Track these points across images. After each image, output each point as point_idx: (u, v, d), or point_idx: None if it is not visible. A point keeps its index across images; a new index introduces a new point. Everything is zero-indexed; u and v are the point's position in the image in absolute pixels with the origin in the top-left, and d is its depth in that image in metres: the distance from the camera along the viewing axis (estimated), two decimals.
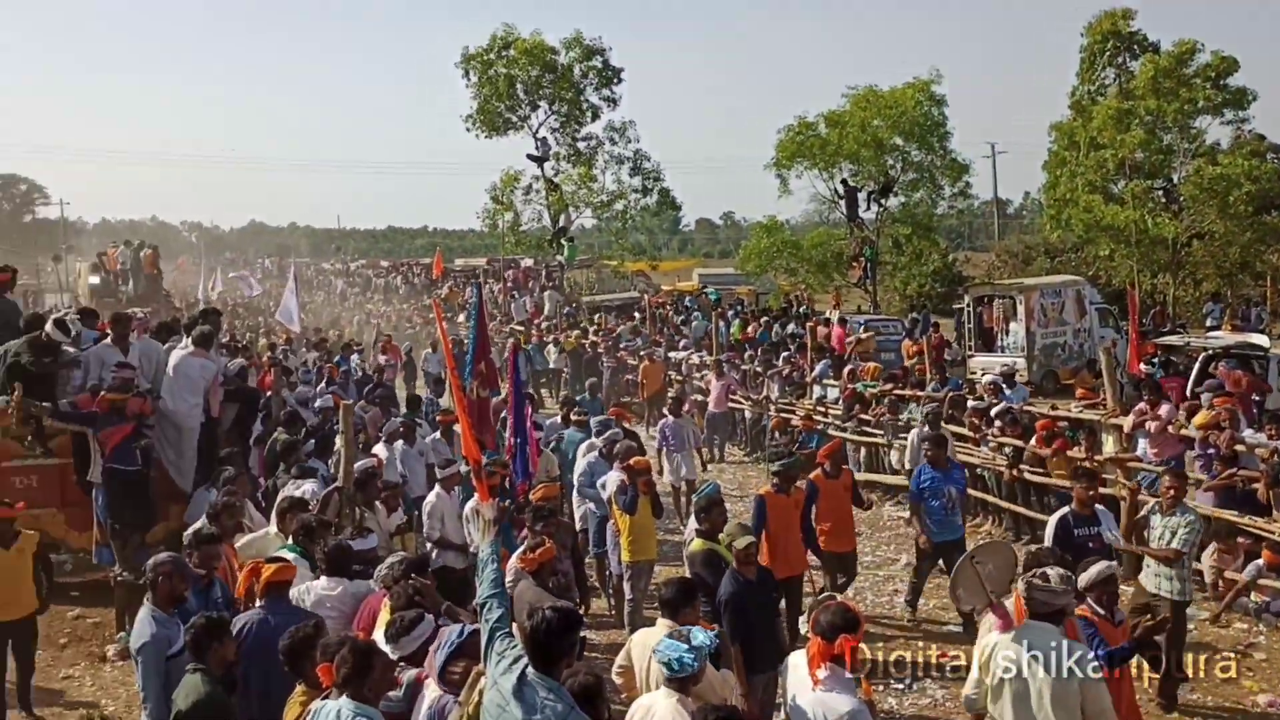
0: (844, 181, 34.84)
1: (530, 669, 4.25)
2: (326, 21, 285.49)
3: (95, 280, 31.91)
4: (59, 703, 9.09)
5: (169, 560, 6.50)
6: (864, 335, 22.12)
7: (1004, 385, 15.79)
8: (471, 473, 9.14)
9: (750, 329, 26.12)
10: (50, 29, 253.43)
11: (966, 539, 10.92)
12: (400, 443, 12.27)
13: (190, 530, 7.70)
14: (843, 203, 35.26)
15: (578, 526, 11.56)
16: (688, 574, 8.47)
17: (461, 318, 33.72)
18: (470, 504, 9.54)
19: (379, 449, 11.53)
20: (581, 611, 7.63)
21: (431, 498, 10.05)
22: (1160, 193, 34.06)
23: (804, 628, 5.38)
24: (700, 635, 5.08)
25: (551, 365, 26.14)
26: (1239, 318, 29.80)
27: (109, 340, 11.45)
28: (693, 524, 9.00)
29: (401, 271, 52.87)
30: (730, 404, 19.32)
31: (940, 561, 10.38)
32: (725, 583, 7.18)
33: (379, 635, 5.80)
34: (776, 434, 18.03)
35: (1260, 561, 9.98)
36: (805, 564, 9.52)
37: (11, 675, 8.75)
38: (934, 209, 37.12)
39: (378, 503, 9.37)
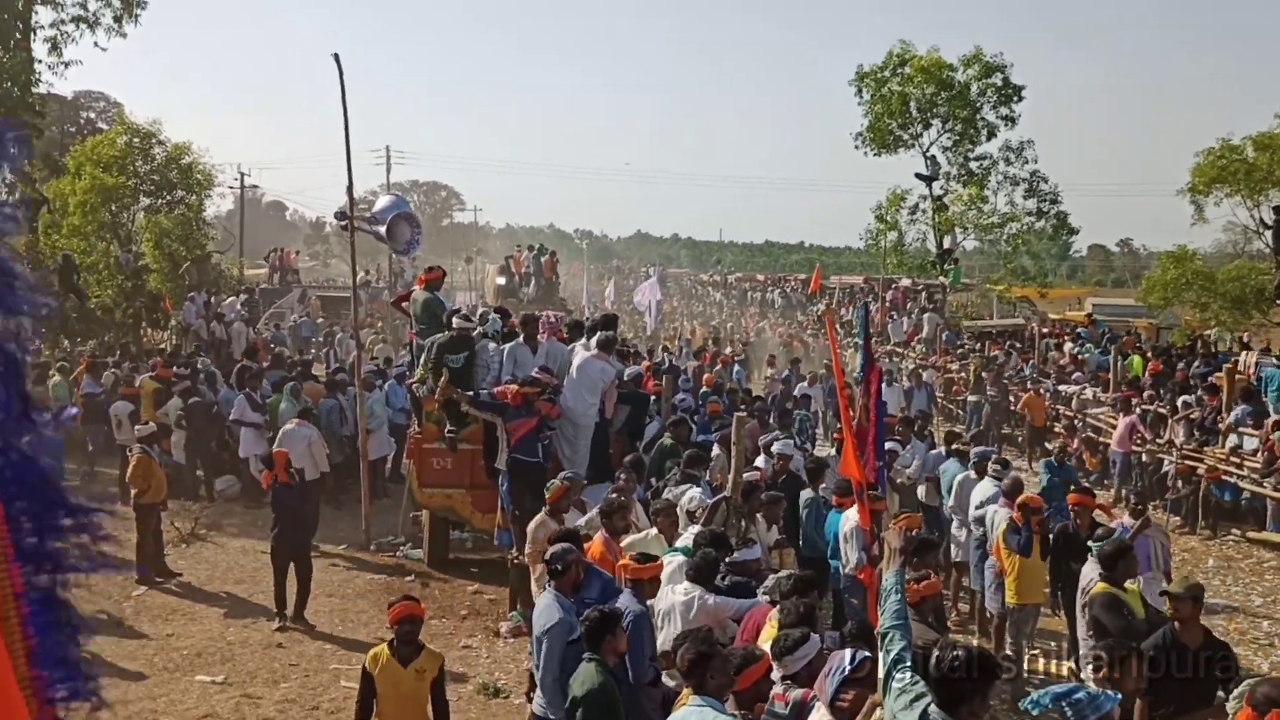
0: (1275, 209, 31.42)
1: (934, 707, 4.08)
2: (717, 39, 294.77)
3: (502, 281, 34.61)
4: (457, 671, 9.88)
5: (572, 550, 6.88)
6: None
7: None
8: (855, 494, 9.09)
9: (1151, 366, 24.18)
10: (467, 52, 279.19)
11: None
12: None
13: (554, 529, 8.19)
14: (1268, 233, 31.81)
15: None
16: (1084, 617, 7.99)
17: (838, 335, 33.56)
18: (850, 524, 9.43)
19: (760, 462, 11.65)
20: None
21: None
22: None
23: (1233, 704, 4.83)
24: (1091, 694, 4.68)
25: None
26: None
27: (520, 339, 12.39)
28: (1091, 567, 8.42)
29: (779, 286, 53.52)
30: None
31: None
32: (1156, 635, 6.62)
33: (764, 649, 5.82)
34: (1179, 482, 16.62)
35: None
36: None
37: None
38: None
39: (759, 515, 9.46)
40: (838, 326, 28.30)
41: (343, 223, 14.17)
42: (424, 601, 11.48)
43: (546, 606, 6.64)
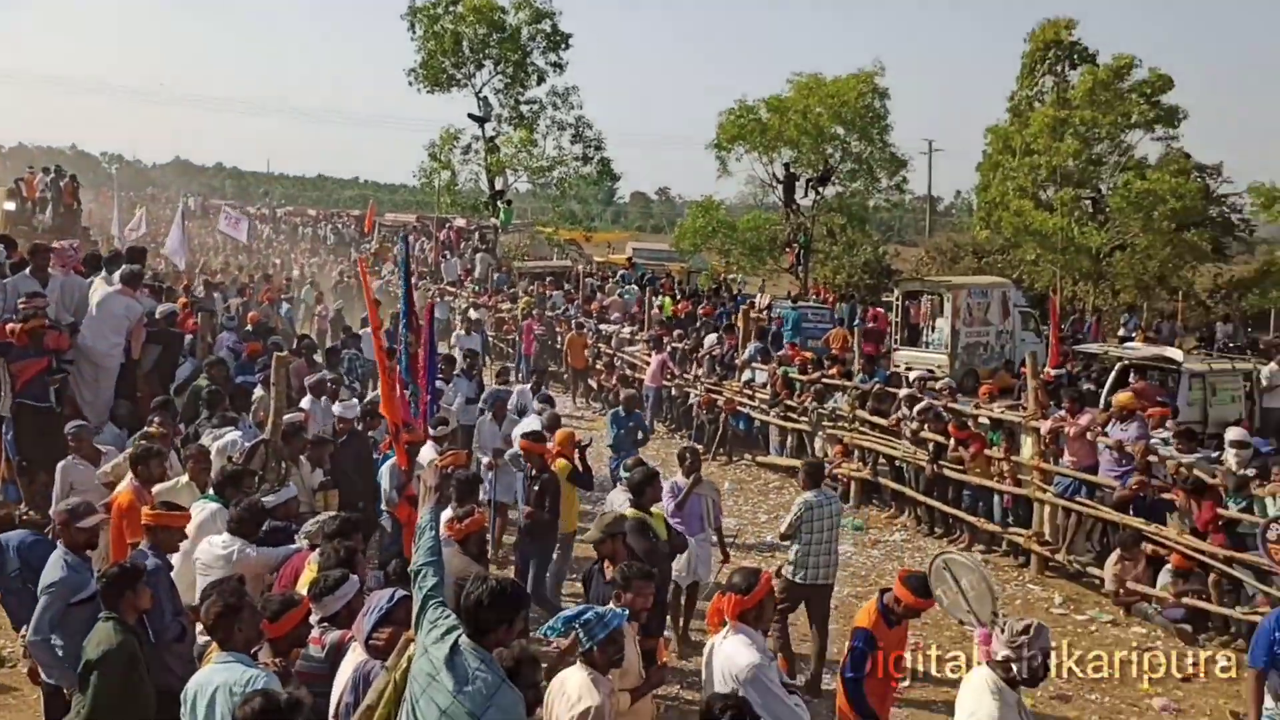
0: (786, 166, 34.99)
1: (464, 638, 4.21)
2: None
3: (11, 206, 30.68)
4: None
5: (85, 504, 6.34)
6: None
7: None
8: (390, 434, 9.13)
9: (681, 306, 26.22)
10: None
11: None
12: (325, 398, 12.06)
13: None
14: (780, 188, 35.47)
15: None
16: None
17: (385, 271, 33.26)
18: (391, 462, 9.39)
19: (305, 403, 11.34)
20: None
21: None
22: (1088, 202, 34.92)
23: None
24: (599, 613, 5.05)
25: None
26: (1152, 330, 30.76)
27: (27, 271, 11.11)
28: (618, 494, 9.01)
29: (332, 222, 52.00)
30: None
31: None
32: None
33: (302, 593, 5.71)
34: (702, 413, 18.21)
35: (1169, 566, 10.31)
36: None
37: None
38: (869, 201, 37.54)
39: (302, 458, 9.23)
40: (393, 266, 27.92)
41: None
42: None
43: (52, 563, 6.07)
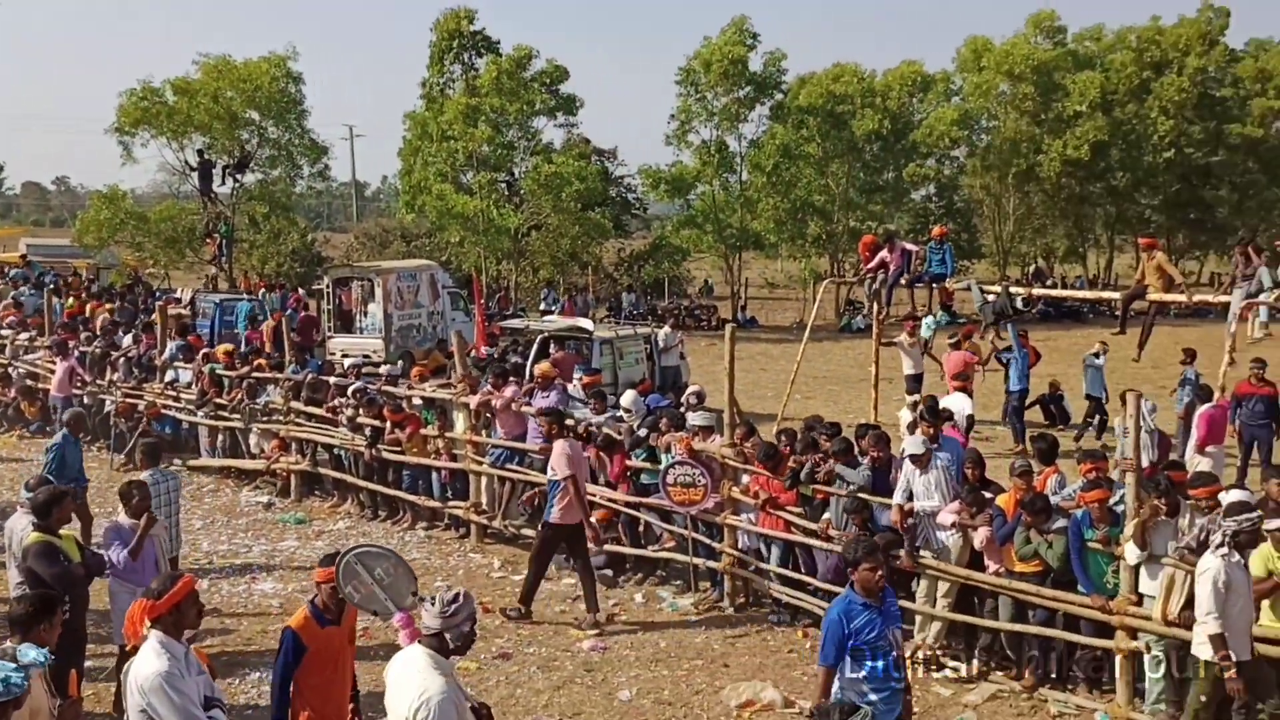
0: (199, 152, 33.07)
1: None
2: None
3: None
4: None
5: None
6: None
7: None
8: None
9: (89, 306, 23.88)
10: None
11: None
12: None
13: None
14: (195, 175, 33.47)
15: None
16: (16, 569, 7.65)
17: None
18: None
19: None
20: None
21: None
22: (504, 185, 37.06)
23: None
24: (31, 653, 4.60)
25: None
26: (571, 302, 33.42)
27: None
28: (19, 518, 8.03)
29: None
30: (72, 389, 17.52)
31: None
32: None
33: None
34: (121, 421, 16.79)
35: (593, 519, 11.26)
36: None
37: None
38: (292, 188, 36.84)
39: None
40: None
41: None
42: None
43: None
